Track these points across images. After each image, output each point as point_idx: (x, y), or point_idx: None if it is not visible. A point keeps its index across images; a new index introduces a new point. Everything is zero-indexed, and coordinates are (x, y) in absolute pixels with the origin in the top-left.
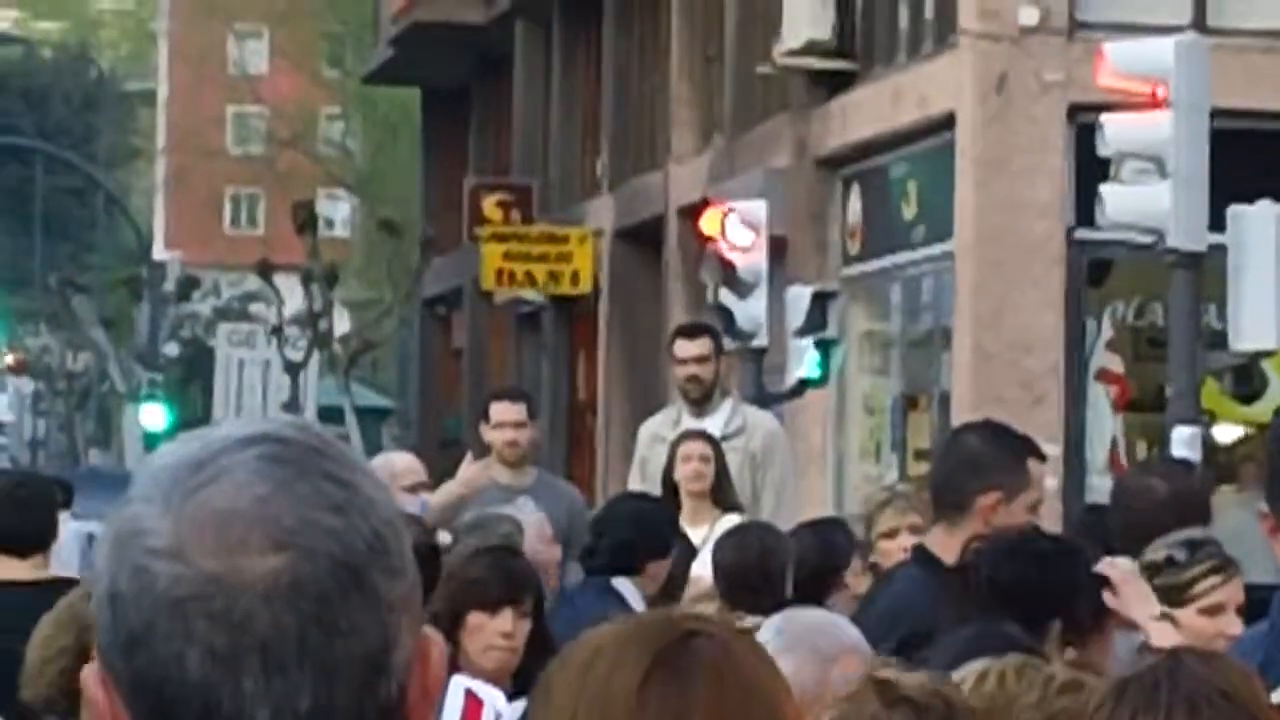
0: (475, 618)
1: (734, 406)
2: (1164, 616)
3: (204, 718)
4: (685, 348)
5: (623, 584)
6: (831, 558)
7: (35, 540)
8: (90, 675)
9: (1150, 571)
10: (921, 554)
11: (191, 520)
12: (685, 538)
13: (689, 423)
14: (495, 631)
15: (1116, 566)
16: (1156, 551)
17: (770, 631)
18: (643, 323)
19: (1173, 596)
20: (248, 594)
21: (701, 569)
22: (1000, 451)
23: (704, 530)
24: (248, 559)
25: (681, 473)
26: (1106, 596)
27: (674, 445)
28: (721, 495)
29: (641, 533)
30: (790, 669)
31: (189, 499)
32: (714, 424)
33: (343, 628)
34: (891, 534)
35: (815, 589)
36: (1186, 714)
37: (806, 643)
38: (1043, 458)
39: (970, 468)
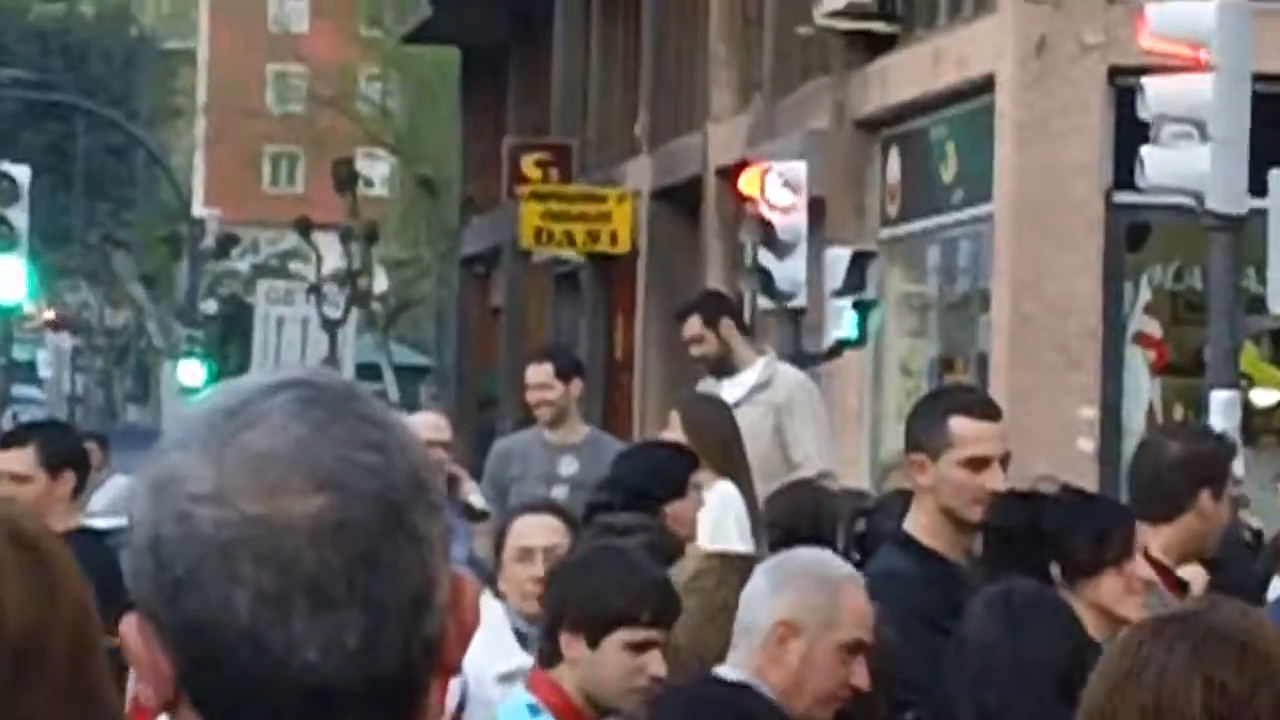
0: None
1: (765, 364)
2: None
3: (253, 659)
4: (683, 329)
5: None
6: (800, 524)
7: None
8: (129, 626)
9: None
10: (899, 534)
11: (232, 464)
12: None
13: (723, 383)
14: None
15: None
16: None
17: (765, 571)
18: (681, 283)
19: None
20: (293, 534)
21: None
22: (921, 414)
23: None
24: (291, 500)
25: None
26: None
27: None
28: (717, 463)
29: (651, 479)
30: (794, 598)
31: (228, 444)
32: (743, 383)
33: (388, 565)
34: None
35: None
36: (1191, 650)
37: (809, 573)
38: (984, 415)
39: (905, 436)
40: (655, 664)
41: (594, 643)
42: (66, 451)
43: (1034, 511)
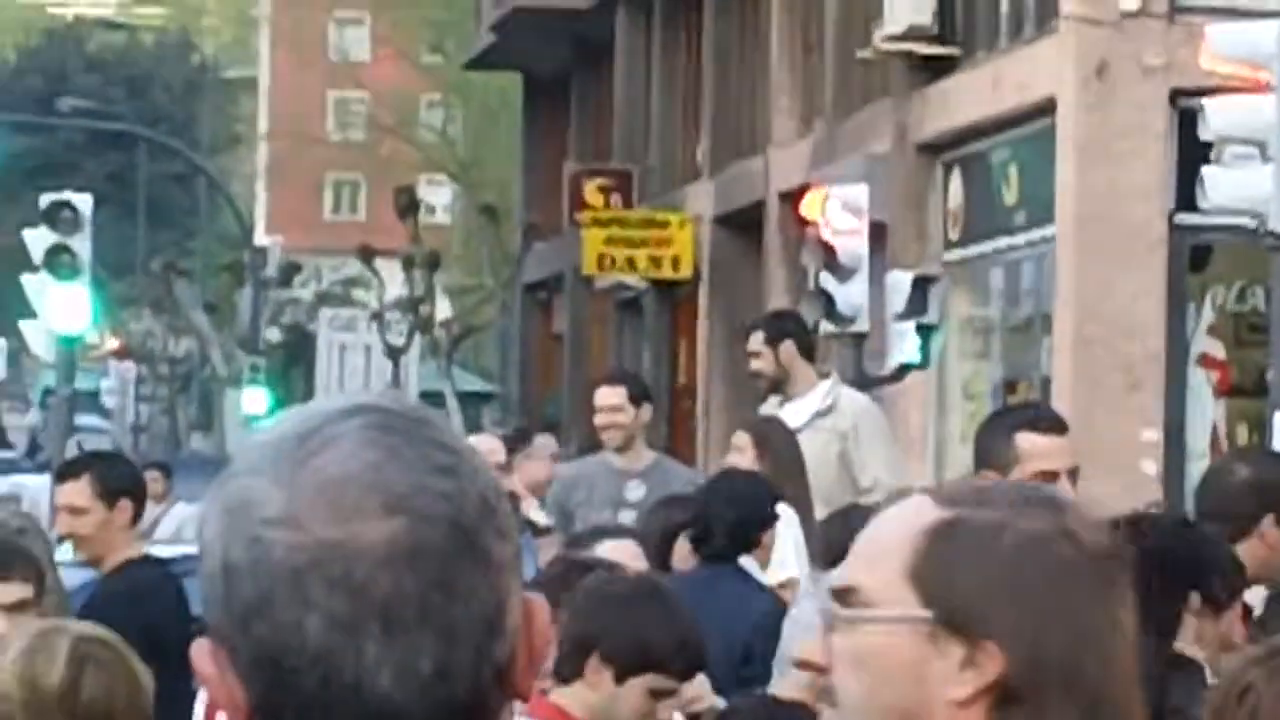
0: None
1: (830, 388)
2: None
3: (325, 684)
4: (747, 345)
5: (747, 562)
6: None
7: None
8: (200, 651)
9: None
10: None
11: (304, 488)
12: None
13: (786, 407)
14: None
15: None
16: None
17: (812, 600)
18: (743, 308)
19: None
20: (366, 559)
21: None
22: (987, 431)
23: None
24: (363, 524)
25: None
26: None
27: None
28: (780, 486)
29: (750, 509)
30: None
31: (300, 468)
32: (808, 405)
33: (460, 590)
34: None
35: None
36: None
37: None
38: (1049, 430)
39: (973, 454)
40: (667, 711)
41: (621, 679)
42: (121, 480)
43: (1194, 538)
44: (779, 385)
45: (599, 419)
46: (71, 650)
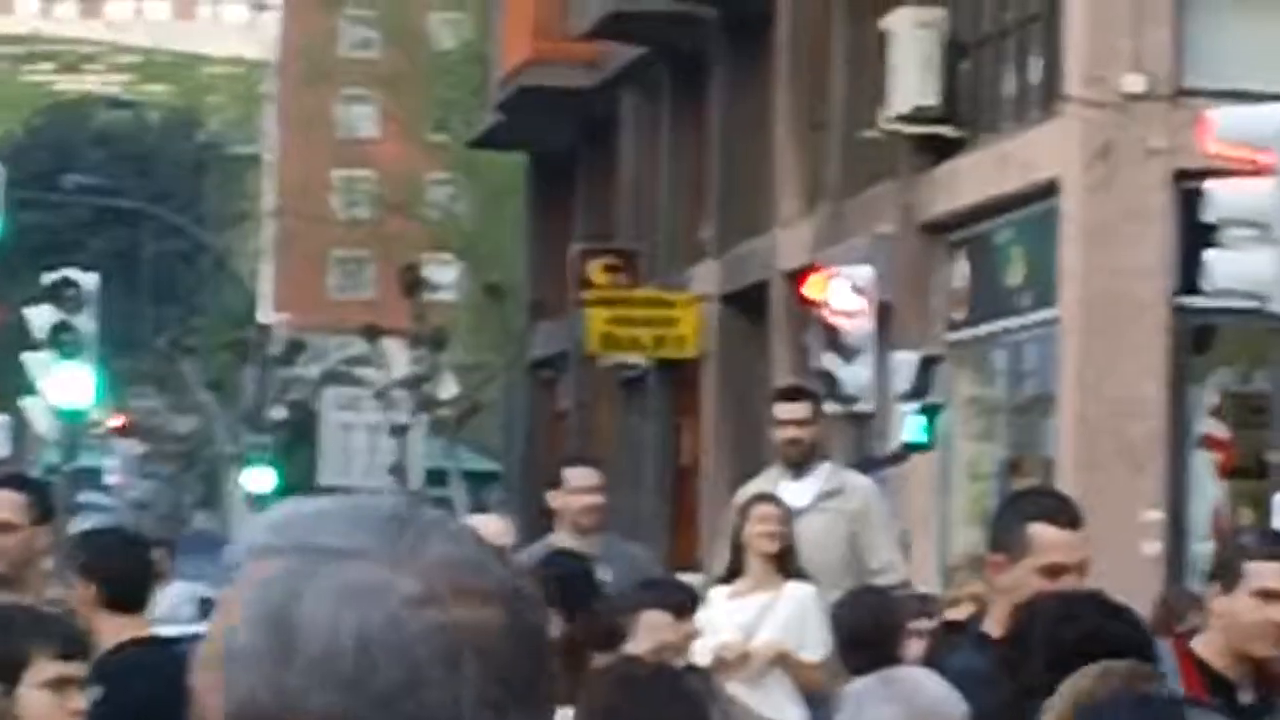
0: None
1: (831, 470)
2: None
3: None
4: (786, 410)
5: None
6: (863, 629)
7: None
8: None
9: None
10: (977, 635)
11: (431, 572)
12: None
13: (787, 485)
14: None
15: None
16: None
17: (892, 702)
18: (748, 387)
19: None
20: (506, 638)
21: (768, 634)
22: (1002, 516)
23: (770, 595)
24: (488, 607)
25: (755, 533)
26: None
27: (745, 507)
28: (786, 562)
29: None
30: None
31: (417, 552)
32: (811, 486)
33: (551, 669)
34: (953, 602)
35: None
36: None
37: (940, 713)
38: (1065, 523)
39: (989, 537)
40: None
41: None
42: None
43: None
44: (809, 457)
45: (584, 500)
46: None
